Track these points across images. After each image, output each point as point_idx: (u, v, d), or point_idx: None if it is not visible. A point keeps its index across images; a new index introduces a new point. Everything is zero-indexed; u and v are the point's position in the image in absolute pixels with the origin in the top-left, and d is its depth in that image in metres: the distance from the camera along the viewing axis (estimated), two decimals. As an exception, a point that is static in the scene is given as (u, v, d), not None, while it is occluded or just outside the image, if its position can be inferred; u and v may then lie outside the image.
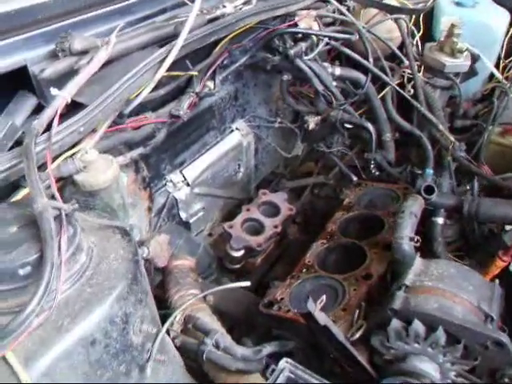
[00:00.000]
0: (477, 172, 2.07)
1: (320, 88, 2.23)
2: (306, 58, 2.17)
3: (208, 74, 1.96)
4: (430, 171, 1.98)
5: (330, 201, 2.68)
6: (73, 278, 0.96)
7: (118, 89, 1.34)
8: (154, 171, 1.98)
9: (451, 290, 1.34)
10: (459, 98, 2.49)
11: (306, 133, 2.70)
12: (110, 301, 0.95)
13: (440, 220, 1.93)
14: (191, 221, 2.25)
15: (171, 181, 2.08)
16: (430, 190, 1.84)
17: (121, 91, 1.34)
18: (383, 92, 2.45)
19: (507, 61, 2.78)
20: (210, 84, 2.00)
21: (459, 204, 1.88)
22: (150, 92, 1.53)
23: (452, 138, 2.24)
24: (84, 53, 1.39)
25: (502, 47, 2.77)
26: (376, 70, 2.24)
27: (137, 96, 1.46)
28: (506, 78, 2.67)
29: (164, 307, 1.58)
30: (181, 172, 2.12)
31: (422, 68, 2.51)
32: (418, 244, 1.65)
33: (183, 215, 2.18)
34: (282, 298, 1.65)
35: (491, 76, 2.81)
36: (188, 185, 2.14)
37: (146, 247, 1.37)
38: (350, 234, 1.96)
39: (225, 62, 2.05)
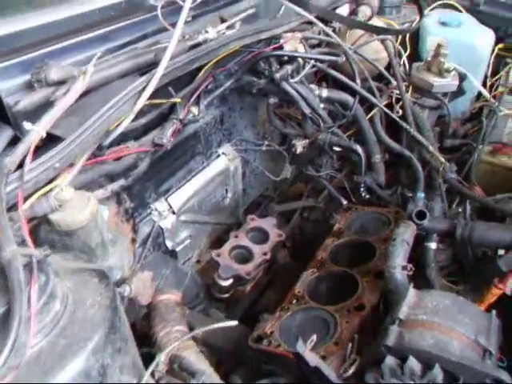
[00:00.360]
0: (469, 195, 2.03)
1: (307, 111, 2.19)
2: (292, 80, 2.14)
3: (192, 99, 1.91)
4: (420, 195, 1.94)
5: (319, 224, 2.63)
6: (46, 329, 0.90)
7: (97, 120, 1.28)
8: (137, 200, 1.92)
9: (447, 324, 1.29)
10: (448, 118, 2.46)
11: (294, 155, 2.66)
12: (85, 353, 0.88)
13: (433, 245, 1.88)
14: (178, 249, 2.19)
15: (156, 209, 2.02)
16: (421, 215, 1.79)
17: (100, 123, 1.29)
18: (371, 113, 2.42)
19: (493, 79, 2.77)
20: (195, 110, 1.95)
21: (452, 228, 1.84)
22: (131, 122, 1.47)
23: (442, 160, 2.21)
24: (61, 83, 1.34)
25: (488, 66, 2.77)
26: (363, 92, 2.21)
27: (117, 126, 1.41)
28: (494, 97, 2.66)
29: (149, 344, 1.51)
30: (166, 200, 2.06)
31: (410, 88, 2.49)
32: (411, 273, 1.60)
33: (169, 244, 2.12)
34: (271, 332, 1.59)
35: (479, 95, 2.80)
36: (174, 213, 2.08)
37: (128, 285, 1.30)
38: (341, 261, 1.90)
39: (209, 87, 2.01)
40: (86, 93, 1.40)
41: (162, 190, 2.07)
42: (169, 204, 2.06)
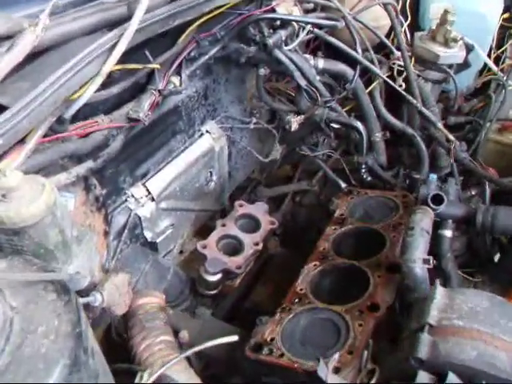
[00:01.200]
0: (486, 176, 1.82)
1: (302, 83, 1.94)
2: (285, 48, 1.88)
3: (173, 67, 1.64)
4: (433, 176, 1.72)
5: (313, 210, 2.40)
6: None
7: (52, 85, 1.00)
8: (110, 186, 1.65)
9: (489, 331, 1.07)
10: (455, 92, 2.24)
11: (284, 134, 2.42)
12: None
13: (448, 233, 1.66)
14: (158, 240, 1.93)
15: (133, 196, 1.76)
16: (438, 200, 1.58)
17: (56, 88, 1.01)
18: (371, 87, 2.18)
19: (499, 51, 2.56)
20: (175, 80, 1.68)
21: (470, 214, 1.63)
22: (99, 90, 1.20)
23: (452, 137, 1.99)
24: (8, 38, 1.06)
25: (493, 37, 2.55)
26: (366, 62, 1.96)
27: (80, 96, 1.13)
28: (502, 70, 2.44)
29: (127, 358, 1.26)
30: (144, 185, 1.80)
31: (412, 60, 2.25)
32: (432, 266, 1.38)
33: (148, 235, 1.86)
34: (272, 339, 1.35)
35: (483, 69, 2.59)
36: (153, 199, 1.81)
37: (99, 293, 1.04)
38: (346, 252, 1.67)
39: (192, 54, 1.74)
40: (41, 52, 1.12)
41: (139, 174, 1.81)
42: (147, 189, 1.80)
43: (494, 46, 2.56)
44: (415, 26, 2.52)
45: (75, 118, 1.24)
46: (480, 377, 1.01)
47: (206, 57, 1.79)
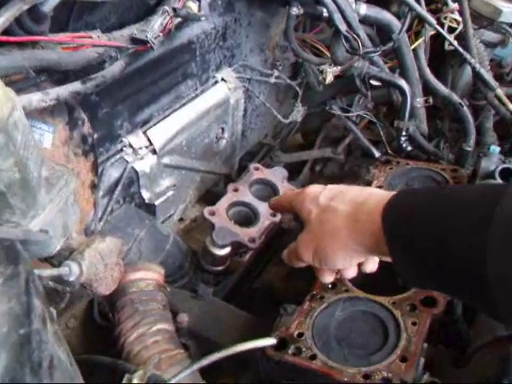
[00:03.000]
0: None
1: (343, 28, 1.61)
2: (327, -18, 1.55)
3: (192, -13, 1.31)
4: (495, 149, 1.42)
5: (335, 181, 2.09)
6: None
7: None
8: (104, 129, 1.33)
9: None
10: (512, 59, 1.93)
11: (306, 93, 2.11)
12: None
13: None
14: (157, 202, 1.62)
15: (130, 145, 1.44)
16: (506, 175, 1.27)
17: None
18: (417, 42, 1.86)
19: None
20: (193, 5, 1.35)
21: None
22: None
23: (512, 107, 1.69)
24: None
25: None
26: (420, 8, 1.64)
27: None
28: None
29: (113, 351, 0.97)
30: (145, 133, 1.48)
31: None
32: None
33: (146, 195, 1.55)
34: (300, 334, 1.06)
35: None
36: (154, 152, 1.50)
37: (75, 263, 0.73)
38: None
39: (215, -23, 1.41)
40: None
41: (140, 120, 1.49)
42: (148, 139, 1.48)
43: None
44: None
45: (61, 24, 0.91)
46: None
47: (232, -17, 1.46)
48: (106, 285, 0.82)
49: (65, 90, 0.86)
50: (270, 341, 0.85)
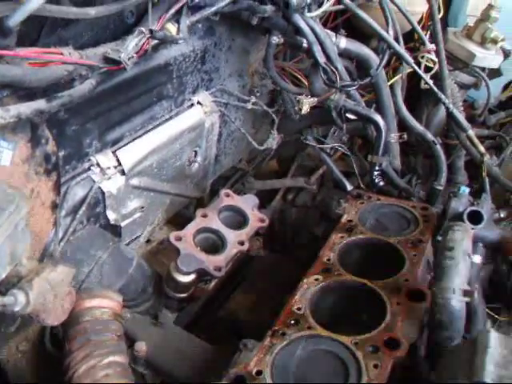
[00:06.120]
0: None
1: (321, 60, 1.62)
2: (309, 14, 1.56)
3: (172, 10, 1.30)
4: (465, 189, 1.43)
5: (306, 212, 2.09)
6: None
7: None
8: (71, 147, 1.30)
9: None
10: (487, 101, 1.97)
11: (282, 122, 2.10)
12: None
13: (478, 259, 1.37)
14: (123, 224, 1.58)
15: (98, 165, 1.41)
16: (476, 218, 1.28)
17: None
18: (394, 79, 1.89)
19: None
20: (172, 28, 1.34)
21: (507, 239, 1.34)
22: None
23: (482, 149, 1.71)
24: None
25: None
26: (398, 47, 1.66)
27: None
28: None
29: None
30: (114, 153, 1.44)
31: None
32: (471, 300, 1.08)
33: (112, 216, 1.51)
34: (259, 372, 1.02)
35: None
36: (123, 173, 1.47)
37: (22, 292, 0.69)
38: (354, 266, 1.36)
39: (196, 0, 1.40)
40: None
41: (110, 139, 1.46)
42: (117, 159, 1.45)
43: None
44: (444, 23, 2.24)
45: (31, 39, 0.88)
46: None
47: (214, 8, 1.45)
48: (55, 315, 0.77)
49: (27, 108, 0.83)
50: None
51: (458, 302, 1.05)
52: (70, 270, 0.81)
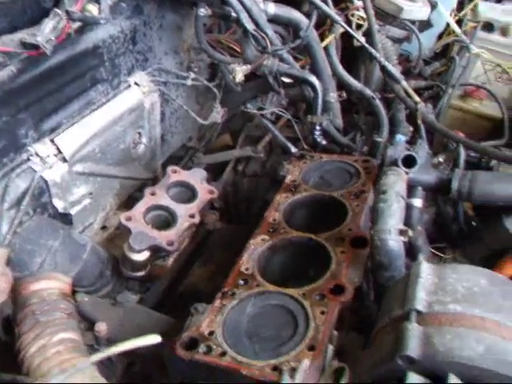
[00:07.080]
0: (459, 139, 1.59)
1: (250, 27, 1.63)
2: (231, -17, 1.57)
3: (89, -11, 1.29)
4: (401, 137, 1.48)
5: (258, 180, 2.12)
6: None
7: None
8: (6, 139, 1.29)
9: (494, 318, 0.83)
10: (419, 53, 2.02)
11: (225, 96, 2.11)
12: None
13: (418, 202, 1.43)
14: (73, 212, 1.58)
15: (37, 154, 1.40)
16: (410, 161, 1.33)
17: None
18: (328, 40, 1.91)
19: (461, 14, 2.37)
20: (93, 8, 1.33)
21: (444, 181, 1.40)
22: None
23: (418, 98, 1.77)
24: None
25: (455, -1, 2.36)
26: (325, 6, 1.68)
27: None
28: (464, 33, 2.25)
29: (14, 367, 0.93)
30: (52, 141, 1.44)
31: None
32: (407, 239, 1.14)
33: (59, 204, 1.51)
34: (211, 333, 1.06)
35: (442, 32, 2.39)
36: (64, 160, 1.46)
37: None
38: (300, 224, 1.40)
39: (116, -22, 1.39)
40: None
41: (47, 128, 1.45)
42: (57, 147, 1.44)
43: (454, 7, 2.38)
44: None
45: None
46: (487, 378, 0.76)
47: (135, -14, 1.45)
48: (-9, 296, 0.78)
49: None
50: (154, 339, 0.84)
51: (394, 242, 1.10)
52: (3, 250, 0.82)
